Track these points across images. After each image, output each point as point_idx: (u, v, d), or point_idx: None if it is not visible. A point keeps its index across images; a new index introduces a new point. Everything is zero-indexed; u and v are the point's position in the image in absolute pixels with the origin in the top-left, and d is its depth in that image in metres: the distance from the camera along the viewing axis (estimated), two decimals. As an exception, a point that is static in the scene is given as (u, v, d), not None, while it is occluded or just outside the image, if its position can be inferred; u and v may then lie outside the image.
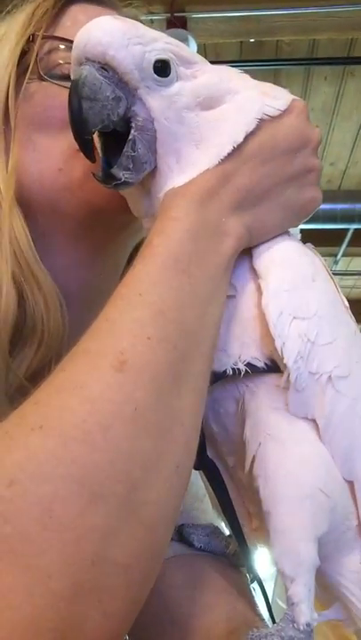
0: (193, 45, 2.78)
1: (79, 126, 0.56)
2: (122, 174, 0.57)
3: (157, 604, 0.68)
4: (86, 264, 0.75)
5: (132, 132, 0.57)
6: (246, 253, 0.61)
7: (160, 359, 0.49)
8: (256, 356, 0.58)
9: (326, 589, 0.63)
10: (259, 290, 0.59)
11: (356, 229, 4.49)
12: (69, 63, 0.69)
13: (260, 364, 0.58)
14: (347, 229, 4.54)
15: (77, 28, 0.72)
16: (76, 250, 0.74)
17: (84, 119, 0.55)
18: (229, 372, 0.58)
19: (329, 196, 4.28)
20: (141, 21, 0.80)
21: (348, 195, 4.30)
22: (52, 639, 0.39)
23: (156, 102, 0.58)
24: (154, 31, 0.60)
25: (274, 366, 0.58)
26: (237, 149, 0.59)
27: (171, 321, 0.51)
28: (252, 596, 0.72)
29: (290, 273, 0.60)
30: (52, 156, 0.71)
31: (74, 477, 0.42)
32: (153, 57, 0.57)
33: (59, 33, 0.73)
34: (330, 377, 0.58)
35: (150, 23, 2.81)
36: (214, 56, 3.23)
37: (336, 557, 0.61)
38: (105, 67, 0.56)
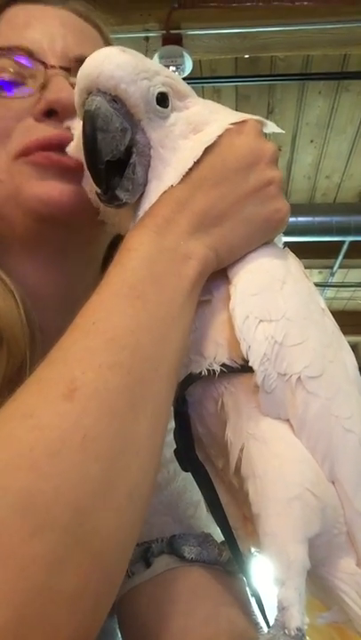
0: (188, 62, 2.80)
1: (94, 157, 0.59)
2: (123, 195, 0.61)
3: (153, 620, 0.68)
4: (49, 270, 0.75)
5: (134, 156, 0.61)
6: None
7: (111, 386, 0.49)
8: (231, 356, 0.60)
9: (325, 591, 0.63)
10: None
11: (351, 241, 4.50)
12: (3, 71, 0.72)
13: (235, 365, 0.59)
14: (343, 242, 4.56)
15: (15, 32, 0.74)
16: (35, 257, 0.74)
17: (99, 150, 0.59)
18: (204, 372, 0.60)
19: (325, 208, 4.30)
20: (95, 16, 0.81)
21: (344, 207, 4.31)
22: None
23: (156, 133, 0.62)
24: (155, 64, 0.64)
25: (250, 367, 0.58)
26: (189, 175, 0.60)
27: (124, 347, 0.51)
28: (250, 604, 0.71)
29: (259, 277, 0.62)
30: None
31: (18, 506, 0.42)
32: (156, 90, 0.61)
33: None
34: (300, 377, 0.59)
35: (146, 40, 2.86)
36: (210, 72, 3.26)
37: (331, 560, 0.61)
38: (115, 99, 0.59)
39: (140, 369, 0.51)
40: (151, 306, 0.54)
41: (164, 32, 2.82)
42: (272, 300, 0.60)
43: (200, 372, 0.60)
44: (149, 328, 0.53)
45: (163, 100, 0.62)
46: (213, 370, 0.60)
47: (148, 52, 2.85)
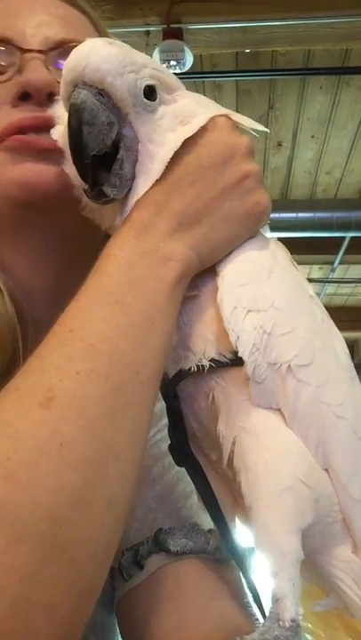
0: (189, 56, 2.80)
1: (80, 151, 0.58)
2: (110, 191, 0.60)
3: (148, 620, 0.68)
4: (37, 261, 0.74)
5: (121, 151, 0.60)
6: None
7: (89, 392, 0.49)
8: (220, 351, 0.60)
9: (321, 579, 0.64)
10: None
11: (352, 237, 4.50)
12: None
13: (224, 359, 0.59)
14: (343, 237, 4.56)
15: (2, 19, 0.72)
16: (22, 248, 0.73)
17: (85, 144, 0.58)
18: (194, 368, 0.60)
19: (325, 204, 4.30)
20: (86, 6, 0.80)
21: (344, 203, 4.31)
22: None
23: (144, 127, 0.61)
24: (142, 55, 0.63)
25: (239, 360, 0.59)
26: (165, 177, 0.60)
27: (102, 353, 0.51)
28: (243, 593, 0.71)
29: (246, 268, 0.62)
30: None
31: None
32: (144, 83, 0.60)
33: None
34: (289, 366, 0.59)
35: (146, 35, 2.86)
36: (210, 67, 3.25)
37: (327, 548, 0.62)
38: (101, 92, 0.58)
39: (119, 375, 0.51)
40: (130, 310, 0.54)
41: (165, 26, 2.81)
42: (260, 289, 0.60)
43: (190, 368, 0.60)
44: (128, 333, 0.53)
45: (150, 92, 0.61)
46: (203, 365, 0.60)
47: (148, 47, 2.84)
